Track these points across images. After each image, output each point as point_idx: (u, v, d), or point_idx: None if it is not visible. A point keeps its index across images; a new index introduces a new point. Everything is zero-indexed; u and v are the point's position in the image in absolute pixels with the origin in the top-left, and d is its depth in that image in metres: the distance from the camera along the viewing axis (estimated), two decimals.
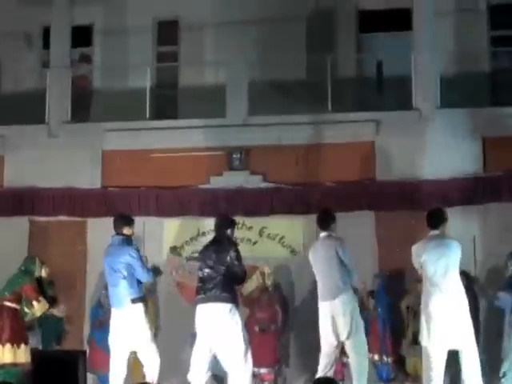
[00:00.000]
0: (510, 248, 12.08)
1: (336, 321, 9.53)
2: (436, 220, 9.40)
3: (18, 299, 10.50)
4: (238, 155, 14.18)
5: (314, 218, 13.51)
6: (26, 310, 10.44)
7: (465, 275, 11.09)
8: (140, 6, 15.71)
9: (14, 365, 10.24)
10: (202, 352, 9.14)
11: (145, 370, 9.68)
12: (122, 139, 14.38)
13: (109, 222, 13.93)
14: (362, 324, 9.71)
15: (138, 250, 9.74)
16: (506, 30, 14.93)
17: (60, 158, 14.49)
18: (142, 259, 9.83)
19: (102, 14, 15.98)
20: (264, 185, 14.09)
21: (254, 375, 12.18)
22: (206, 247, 9.61)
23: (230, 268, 9.16)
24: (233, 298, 9.17)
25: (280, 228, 13.97)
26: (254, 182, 14.11)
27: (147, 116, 14.69)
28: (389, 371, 12.77)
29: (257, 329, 12.90)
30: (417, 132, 13.74)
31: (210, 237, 13.67)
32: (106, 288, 11.14)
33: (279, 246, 13.96)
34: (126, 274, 9.52)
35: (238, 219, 13.83)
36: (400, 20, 15.06)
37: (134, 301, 9.49)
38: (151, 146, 14.30)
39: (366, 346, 9.78)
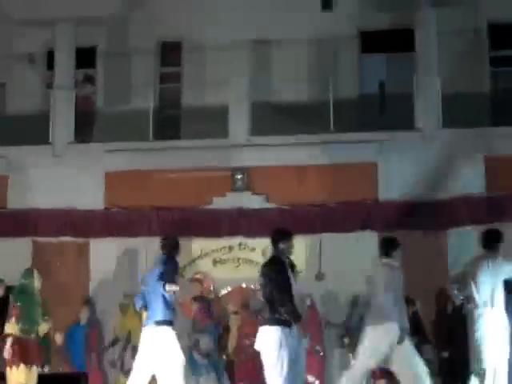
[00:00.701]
0: None
1: None
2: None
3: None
4: (241, 176, 14.22)
5: (316, 238, 13.77)
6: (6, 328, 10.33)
7: None
8: (143, 27, 15.77)
9: None
10: None
11: None
12: (124, 160, 14.43)
13: (111, 242, 14.17)
14: None
15: None
16: (506, 50, 14.99)
17: (64, 178, 14.53)
18: None
19: (106, 36, 16.03)
20: (266, 205, 14.12)
21: None
22: None
23: None
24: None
25: None
26: (257, 202, 14.14)
27: (150, 137, 14.75)
28: None
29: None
30: (419, 152, 13.79)
31: (212, 258, 14.02)
32: None
33: None
34: None
35: (241, 240, 13.99)
36: (402, 41, 15.12)
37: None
38: (154, 167, 14.36)
39: None
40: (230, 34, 14.95)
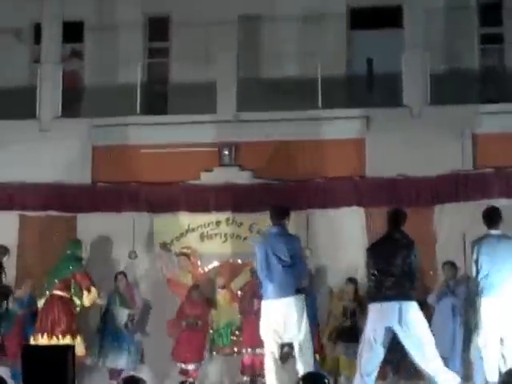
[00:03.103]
0: None
1: None
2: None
3: (67, 287, 10.25)
4: (228, 151, 14.20)
5: (303, 214, 13.78)
6: (76, 299, 10.24)
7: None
8: (131, 1, 15.73)
9: None
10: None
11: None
12: (112, 135, 14.37)
13: (98, 217, 14.14)
14: None
15: None
16: (496, 27, 15.00)
17: (50, 153, 14.45)
18: None
19: (93, 10, 15.97)
20: (254, 181, 14.11)
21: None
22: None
23: None
24: None
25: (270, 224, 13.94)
26: (244, 177, 14.13)
27: (137, 112, 14.69)
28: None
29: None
30: (407, 129, 13.78)
31: (199, 233, 14.02)
32: None
33: None
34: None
35: (228, 215, 14.00)
36: (390, 17, 15.10)
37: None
38: (141, 142, 14.30)
39: None
40: (218, 10, 14.92)
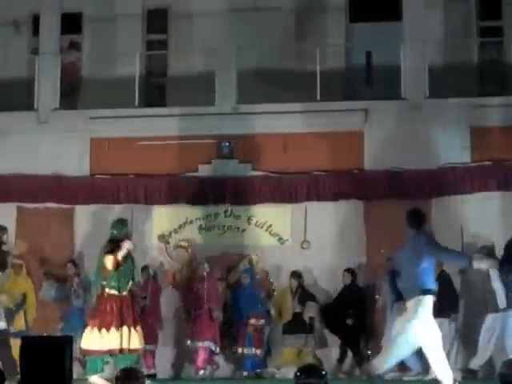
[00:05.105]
0: (497, 236, 12.30)
1: None
2: None
3: None
4: (227, 143, 14.19)
5: (301, 206, 13.79)
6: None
7: None
8: None
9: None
10: None
11: None
12: (110, 127, 14.35)
13: (96, 209, 14.15)
14: None
15: None
16: (495, 20, 14.99)
17: (49, 145, 14.46)
18: None
19: (92, 1, 15.94)
20: (252, 173, 14.11)
21: None
22: None
23: None
24: None
25: (268, 216, 13.99)
26: (243, 170, 14.13)
27: (136, 104, 14.67)
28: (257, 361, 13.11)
29: None
30: (405, 121, 13.78)
31: (197, 225, 14.03)
32: None
33: (267, 234, 13.97)
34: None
35: (226, 207, 14.01)
36: (389, 10, 15.08)
37: None
38: (140, 134, 14.28)
39: None
40: (217, 1, 14.90)
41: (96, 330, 10.03)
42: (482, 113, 13.65)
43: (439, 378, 8.44)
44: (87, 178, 14.46)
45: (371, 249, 13.54)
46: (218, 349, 12.80)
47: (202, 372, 12.75)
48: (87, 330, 10.19)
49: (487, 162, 13.51)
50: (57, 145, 14.45)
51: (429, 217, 13.23)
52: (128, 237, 10.44)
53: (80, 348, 10.38)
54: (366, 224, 13.69)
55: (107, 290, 10.14)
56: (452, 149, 13.62)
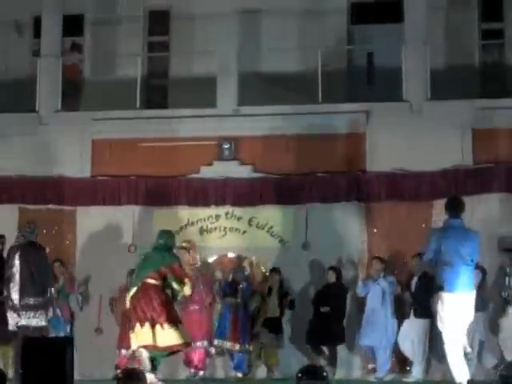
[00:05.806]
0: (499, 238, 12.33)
1: None
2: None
3: (162, 277, 10.22)
4: (228, 145, 14.19)
5: (303, 207, 13.79)
6: (178, 288, 10.23)
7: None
8: None
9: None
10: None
11: None
12: (111, 128, 14.36)
13: (98, 210, 14.16)
14: None
15: None
16: (496, 22, 14.98)
17: (50, 146, 14.48)
18: None
19: (93, 3, 15.96)
20: (254, 175, 14.11)
21: None
22: None
23: None
24: None
25: (269, 218, 13.98)
26: (244, 172, 14.13)
27: (137, 105, 14.69)
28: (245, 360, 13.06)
29: None
30: (407, 123, 13.77)
31: (199, 226, 14.03)
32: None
33: (268, 235, 13.96)
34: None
35: (228, 209, 14.01)
36: (391, 12, 15.08)
37: None
38: (141, 136, 14.29)
39: None
40: (219, 3, 14.86)
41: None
42: (483, 115, 13.63)
43: None
44: (89, 179, 14.48)
45: (372, 250, 13.53)
46: (213, 349, 12.82)
47: (201, 373, 12.75)
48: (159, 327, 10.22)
49: (489, 164, 13.50)
50: (58, 146, 14.48)
51: (430, 219, 13.32)
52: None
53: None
54: (367, 226, 13.70)
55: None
56: (453, 151, 13.60)
